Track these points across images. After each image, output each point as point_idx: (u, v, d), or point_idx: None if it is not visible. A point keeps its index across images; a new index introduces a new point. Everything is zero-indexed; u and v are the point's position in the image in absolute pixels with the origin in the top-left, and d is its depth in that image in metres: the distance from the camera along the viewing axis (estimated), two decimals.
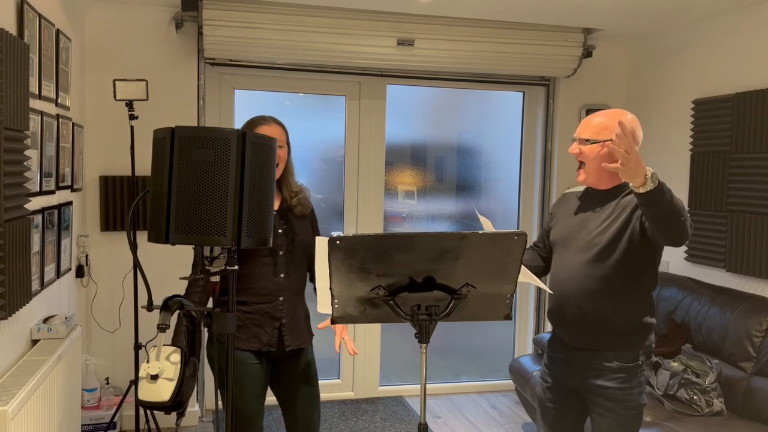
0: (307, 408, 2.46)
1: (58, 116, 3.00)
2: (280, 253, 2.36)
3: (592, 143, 2.18)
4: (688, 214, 2.05)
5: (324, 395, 4.41)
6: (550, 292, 2.28)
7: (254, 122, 2.38)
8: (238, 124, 4.15)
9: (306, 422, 2.46)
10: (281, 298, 2.36)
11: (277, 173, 2.37)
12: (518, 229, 3.88)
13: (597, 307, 2.16)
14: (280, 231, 2.37)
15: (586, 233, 2.22)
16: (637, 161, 1.85)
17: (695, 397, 3.12)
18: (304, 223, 2.45)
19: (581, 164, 2.24)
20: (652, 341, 2.23)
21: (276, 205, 2.41)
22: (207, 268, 1.76)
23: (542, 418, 2.44)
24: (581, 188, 2.40)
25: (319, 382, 4.38)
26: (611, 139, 2.05)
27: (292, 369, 2.45)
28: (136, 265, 2.77)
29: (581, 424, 2.40)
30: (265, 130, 2.35)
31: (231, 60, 3.95)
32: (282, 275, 2.36)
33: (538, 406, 2.46)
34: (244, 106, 4.15)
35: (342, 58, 3.90)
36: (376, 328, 4.48)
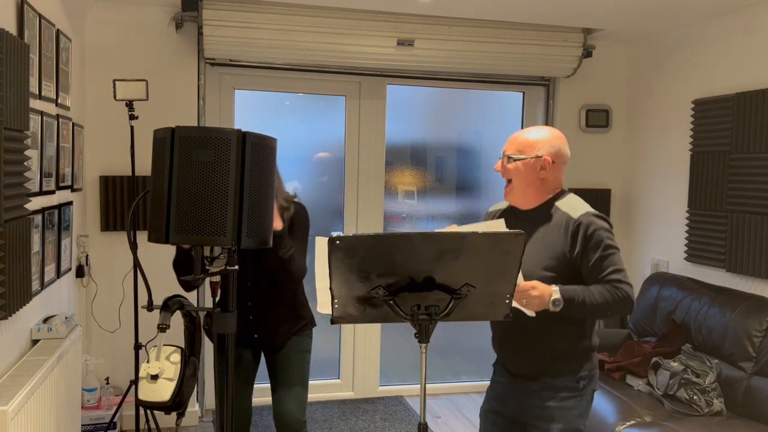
0: (281, 398, 2.65)
1: (58, 116, 3.00)
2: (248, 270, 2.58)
3: (515, 160, 2.14)
4: (618, 301, 2.01)
5: (324, 395, 4.41)
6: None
7: None
8: (238, 124, 4.15)
9: (279, 411, 2.64)
10: (249, 303, 2.62)
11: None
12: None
13: (540, 334, 2.12)
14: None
15: None
16: (540, 301, 1.97)
17: (695, 397, 3.12)
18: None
19: (508, 182, 2.19)
20: (595, 365, 2.17)
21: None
22: (207, 268, 1.76)
23: None
24: (503, 205, 2.33)
25: (320, 382, 4.39)
26: (537, 156, 2.12)
27: (272, 360, 2.70)
28: (136, 265, 2.76)
29: None
30: None
31: (231, 60, 3.95)
32: (249, 284, 2.59)
33: None
34: (244, 106, 4.15)
35: (342, 58, 3.90)
36: (376, 328, 4.48)
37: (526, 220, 2.19)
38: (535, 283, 1.99)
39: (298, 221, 2.60)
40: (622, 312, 2.04)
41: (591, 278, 2.06)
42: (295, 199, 2.65)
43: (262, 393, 4.24)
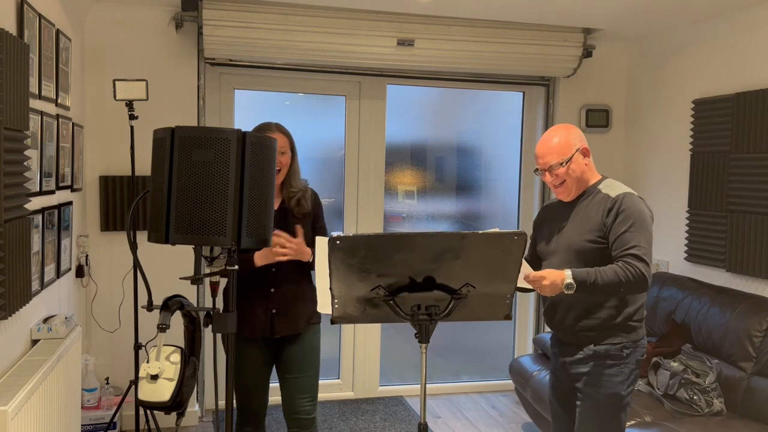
0: (294, 392, 2.62)
1: (58, 116, 3.00)
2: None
3: (564, 164, 2.30)
4: (631, 278, 2.14)
5: (324, 395, 4.41)
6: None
7: (260, 129, 2.59)
8: (238, 124, 4.15)
9: (291, 405, 2.63)
10: (272, 290, 2.56)
11: (280, 177, 2.57)
12: (518, 229, 3.87)
13: (583, 308, 2.30)
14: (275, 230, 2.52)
15: (564, 239, 2.35)
16: (552, 287, 2.13)
17: (695, 397, 3.12)
18: (302, 222, 2.60)
19: (561, 183, 2.35)
20: (640, 336, 2.31)
21: (276, 206, 2.60)
22: (207, 268, 1.76)
23: (551, 420, 2.58)
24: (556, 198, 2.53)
25: (320, 382, 4.38)
26: (577, 149, 2.31)
27: (286, 354, 2.64)
28: (136, 265, 2.77)
29: None
30: None
31: (231, 60, 3.94)
32: (273, 269, 2.55)
33: (549, 407, 2.61)
34: (244, 106, 4.15)
35: (342, 58, 3.90)
36: (376, 328, 4.48)
37: (572, 204, 2.38)
38: (545, 272, 2.15)
39: (319, 205, 2.73)
40: (635, 290, 2.16)
41: (614, 250, 2.21)
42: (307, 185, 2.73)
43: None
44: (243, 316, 2.58)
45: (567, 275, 2.13)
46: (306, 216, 2.63)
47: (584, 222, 2.29)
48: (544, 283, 2.13)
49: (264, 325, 2.56)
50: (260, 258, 2.49)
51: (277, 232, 2.45)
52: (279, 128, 2.59)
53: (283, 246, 2.43)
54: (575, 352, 2.34)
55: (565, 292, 2.14)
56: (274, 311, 2.56)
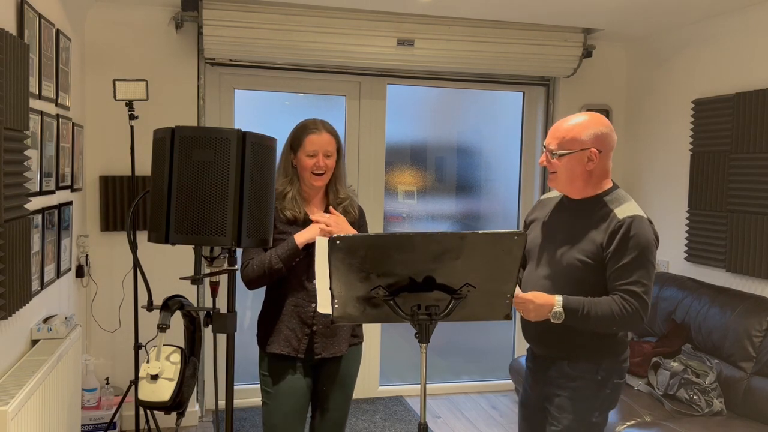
0: (322, 429, 2.44)
1: (58, 116, 3.00)
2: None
3: (560, 156, 2.07)
4: (626, 314, 1.96)
5: None
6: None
7: (305, 127, 2.32)
8: (238, 124, 4.15)
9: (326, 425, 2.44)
10: (313, 305, 2.30)
11: (323, 181, 2.33)
12: (518, 229, 3.87)
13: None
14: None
15: (553, 247, 2.14)
16: (537, 313, 1.99)
17: (695, 397, 3.12)
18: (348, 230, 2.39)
19: (553, 171, 2.13)
20: (621, 360, 2.12)
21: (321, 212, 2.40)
22: (207, 268, 1.76)
23: None
24: (558, 194, 2.28)
25: None
26: (583, 149, 2.04)
27: (324, 377, 2.39)
28: (136, 265, 2.77)
29: None
30: (314, 139, 2.29)
31: (231, 60, 3.94)
32: (314, 282, 2.29)
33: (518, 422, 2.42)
34: (244, 106, 4.15)
35: (342, 58, 3.90)
36: (376, 328, 4.48)
37: (572, 210, 2.16)
38: (533, 295, 2.00)
39: (364, 221, 2.50)
40: (628, 328, 1.99)
41: (612, 280, 2.01)
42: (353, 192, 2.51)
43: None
44: (276, 329, 2.32)
45: (557, 303, 1.97)
46: (354, 224, 2.40)
47: (580, 237, 2.07)
48: (530, 307, 1.97)
49: (300, 345, 2.31)
50: (300, 236, 2.23)
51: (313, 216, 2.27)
52: (325, 126, 2.32)
53: (320, 220, 2.23)
54: (548, 368, 2.16)
55: (552, 320, 1.98)
56: (314, 329, 2.31)
